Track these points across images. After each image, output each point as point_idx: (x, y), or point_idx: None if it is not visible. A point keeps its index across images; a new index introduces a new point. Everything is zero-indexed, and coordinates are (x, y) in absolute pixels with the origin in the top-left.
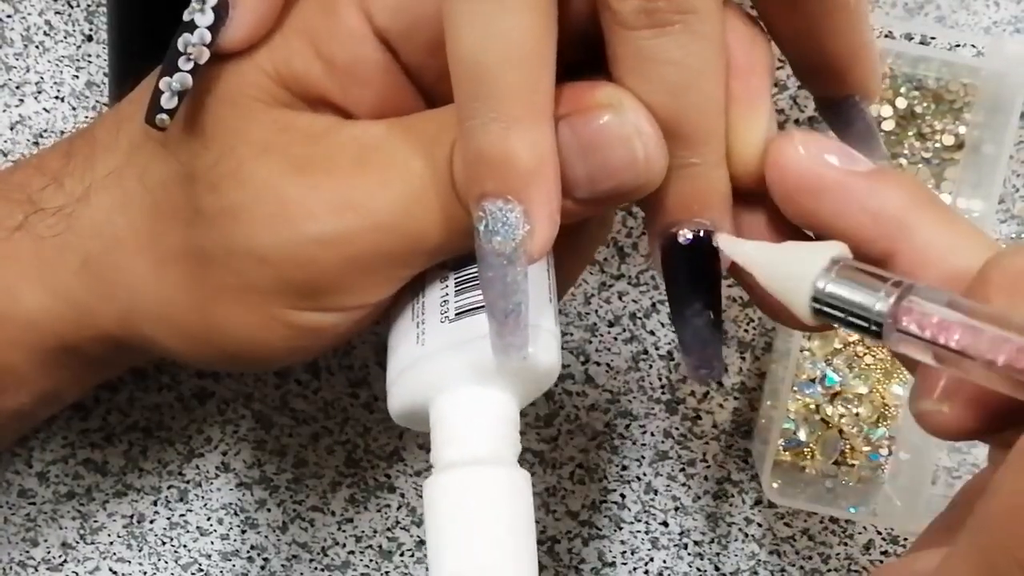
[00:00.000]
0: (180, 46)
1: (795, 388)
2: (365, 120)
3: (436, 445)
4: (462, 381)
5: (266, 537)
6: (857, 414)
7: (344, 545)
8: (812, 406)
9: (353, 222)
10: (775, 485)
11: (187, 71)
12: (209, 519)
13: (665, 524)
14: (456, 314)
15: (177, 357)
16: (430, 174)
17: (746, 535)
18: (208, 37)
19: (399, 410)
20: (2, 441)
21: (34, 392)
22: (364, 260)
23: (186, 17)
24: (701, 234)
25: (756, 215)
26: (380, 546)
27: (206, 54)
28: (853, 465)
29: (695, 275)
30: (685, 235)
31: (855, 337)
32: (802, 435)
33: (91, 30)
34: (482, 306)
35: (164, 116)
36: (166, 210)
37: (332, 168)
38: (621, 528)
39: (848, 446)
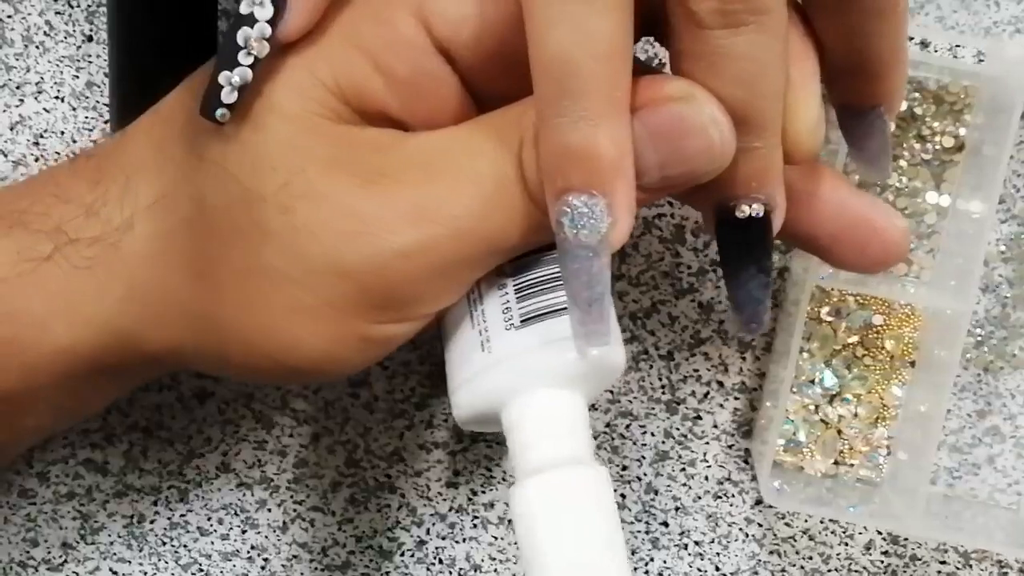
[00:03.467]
0: (240, 40)
1: (794, 389)
2: (425, 131)
3: (516, 451)
4: (535, 387)
5: (266, 537)
6: (856, 415)
7: (344, 545)
8: (811, 407)
9: (432, 231)
10: (775, 485)
11: (247, 65)
12: (209, 519)
13: (665, 524)
14: (521, 321)
15: (226, 374)
16: (501, 174)
17: (746, 535)
18: (268, 31)
19: (467, 416)
20: (14, 452)
21: (57, 411)
22: (444, 267)
23: (244, 10)
24: (759, 208)
25: (804, 188)
26: (380, 546)
27: (267, 48)
28: (852, 465)
29: (751, 244)
30: (743, 210)
31: (854, 338)
32: (801, 436)
33: (91, 30)
34: (547, 312)
35: (225, 111)
36: (227, 232)
37: (403, 179)
38: (621, 528)
39: (847, 446)
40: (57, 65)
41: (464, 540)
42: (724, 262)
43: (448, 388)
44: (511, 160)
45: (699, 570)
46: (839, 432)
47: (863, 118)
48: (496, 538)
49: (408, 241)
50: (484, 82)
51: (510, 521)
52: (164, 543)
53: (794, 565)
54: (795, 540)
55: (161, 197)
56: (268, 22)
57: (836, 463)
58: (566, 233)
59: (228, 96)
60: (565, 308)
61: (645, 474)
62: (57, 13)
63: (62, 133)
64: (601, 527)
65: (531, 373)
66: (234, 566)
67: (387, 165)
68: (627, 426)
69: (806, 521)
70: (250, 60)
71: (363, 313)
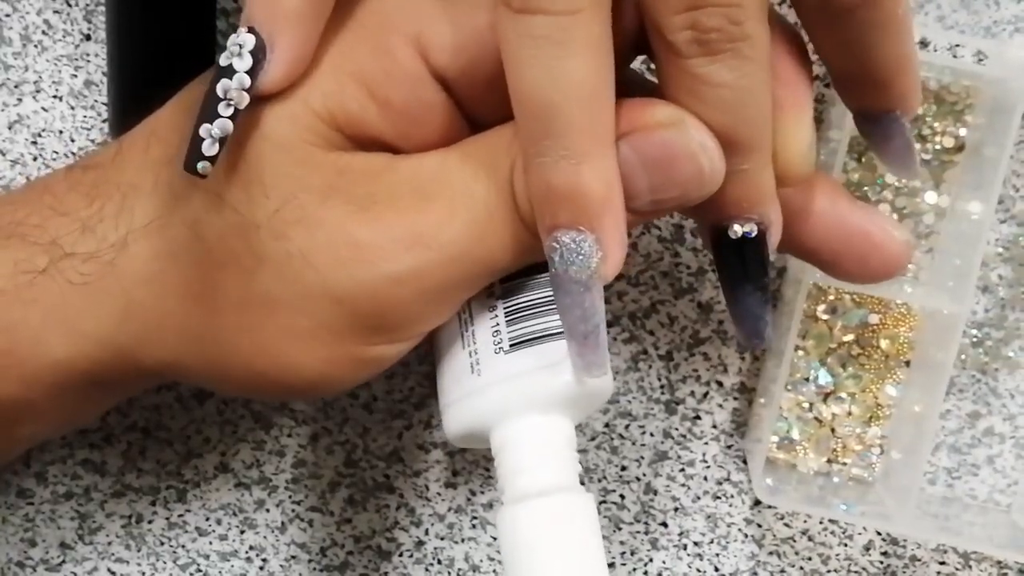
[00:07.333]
0: (219, 92)
1: (789, 387)
2: (417, 153)
3: (504, 475)
4: (523, 411)
5: (265, 537)
6: (850, 413)
7: (343, 546)
8: (805, 405)
9: (426, 256)
10: (768, 482)
11: (227, 117)
12: (208, 519)
13: (664, 525)
14: (511, 345)
15: (223, 391)
16: (493, 198)
17: (745, 536)
18: (247, 82)
19: (456, 435)
20: (8, 459)
21: (52, 422)
22: (437, 291)
23: (223, 62)
24: (752, 228)
25: (802, 205)
26: (379, 546)
27: (246, 99)
28: (845, 464)
29: (746, 262)
30: (735, 231)
31: (850, 337)
32: (795, 433)
33: (90, 29)
34: (536, 337)
35: (206, 163)
36: (223, 258)
37: (397, 204)
38: (620, 529)
39: (840, 445)
40: (55, 64)
41: (463, 540)
42: (722, 280)
43: (439, 405)
44: (503, 183)
45: (698, 570)
46: (832, 430)
47: (879, 123)
48: (495, 538)
49: (402, 267)
50: (479, 106)
51: None
52: (162, 543)
53: (793, 566)
54: (794, 541)
55: (156, 219)
56: (247, 72)
57: (829, 461)
58: (556, 269)
59: (209, 148)
60: (553, 333)
61: (644, 474)
62: (55, 12)
63: (60, 132)
64: (586, 554)
65: (519, 398)
66: (232, 566)
67: (379, 191)
68: (626, 426)
69: (805, 522)
70: (229, 111)
71: (357, 336)
